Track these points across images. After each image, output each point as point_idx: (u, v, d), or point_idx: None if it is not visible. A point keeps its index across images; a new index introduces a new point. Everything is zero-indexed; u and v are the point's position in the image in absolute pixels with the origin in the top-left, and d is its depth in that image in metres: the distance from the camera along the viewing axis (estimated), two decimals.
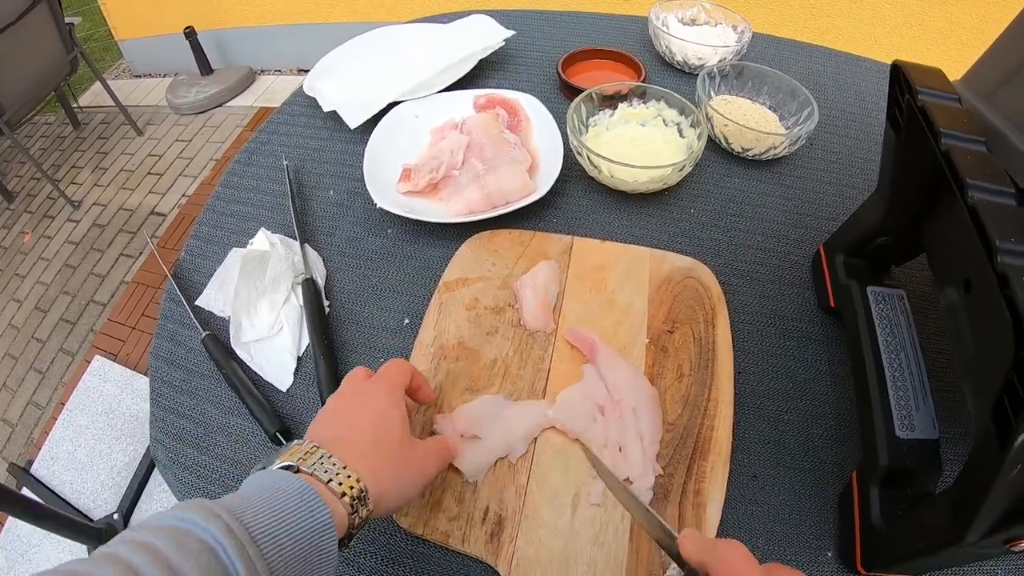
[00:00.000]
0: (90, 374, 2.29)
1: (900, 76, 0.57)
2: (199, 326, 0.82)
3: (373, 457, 0.52)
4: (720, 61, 1.15)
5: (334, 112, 1.09)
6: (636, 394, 0.68)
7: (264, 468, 0.50)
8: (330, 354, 0.77)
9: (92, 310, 2.63)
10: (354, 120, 1.06)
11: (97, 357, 2.35)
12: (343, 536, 0.48)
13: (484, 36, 1.21)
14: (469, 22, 1.26)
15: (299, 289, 0.84)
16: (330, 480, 0.48)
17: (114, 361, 2.34)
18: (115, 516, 1.87)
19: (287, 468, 0.49)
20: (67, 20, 2.87)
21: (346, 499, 0.48)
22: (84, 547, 1.81)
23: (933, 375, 0.64)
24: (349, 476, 0.49)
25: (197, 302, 0.87)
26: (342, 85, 1.14)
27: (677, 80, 1.19)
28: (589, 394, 0.69)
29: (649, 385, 0.70)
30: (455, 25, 1.26)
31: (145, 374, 2.21)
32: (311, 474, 0.48)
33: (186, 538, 0.39)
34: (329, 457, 0.50)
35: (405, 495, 0.55)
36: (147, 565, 0.36)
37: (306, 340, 0.81)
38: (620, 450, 0.65)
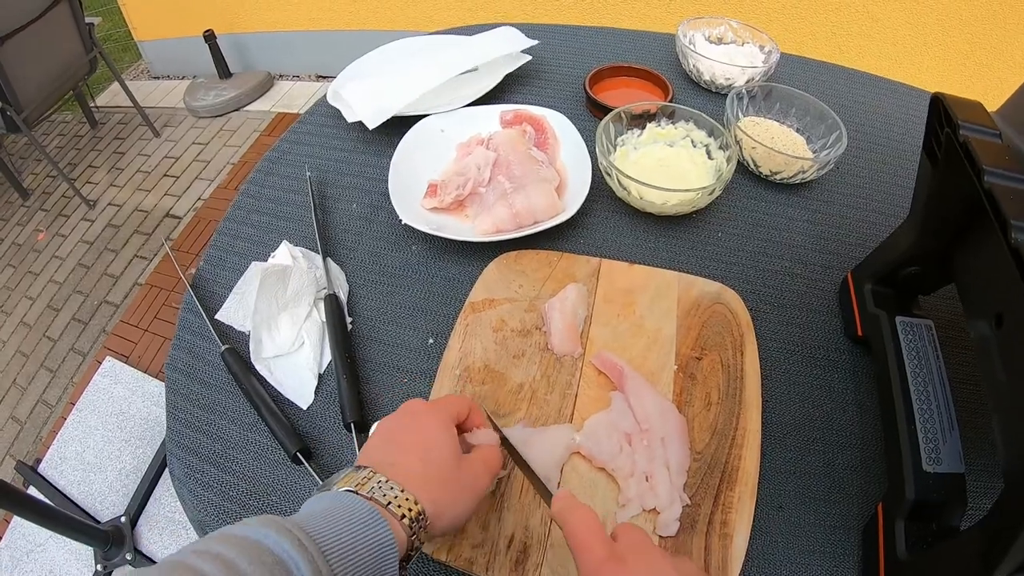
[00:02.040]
0: (101, 375, 2.30)
1: (940, 108, 0.57)
2: (218, 339, 0.81)
3: (427, 479, 0.53)
4: (748, 81, 1.14)
5: (358, 124, 1.09)
6: (664, 423, 0.67)
7: (322, 493, 0.51)
8: (352, 372, 0.77)
9: (104, 311, 2.63)
10: (372, 120, 1.06)
11: (108, 358, 2.36)
12: (402, 557, 0.48)
13: (509, 44, 1.21)
14: (495, 33, 1.25)
15: (321, 304, 0.84)
16: (389, 503, 0.49)
17: (125, 363, 2.34)
18: (122, 519, 1.86)
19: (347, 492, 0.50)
20: (87, 20, 2.89)
21: (405, 521, 0.49)
22: (90, 549, 1.81)
23: (958, 405, 0.63)
24: (407, 499, 0.50)
25: (217, 316, 0.86)
26: (364, 91, 1.14)
27: (703, 99, 1.19)
28: (616, 423, 0.68)
29: (678, 414, 0.69)
30: (481, 36, 1.25)
31: (156, 377, 2.22)
32: (370, 498, 0.49)
33: (258, 550, 0.40)
34: (387, 482, 0.51)
35: (460, 514, 0.55)
36: (220, 574, 0.37)
37: (328, 357, 0.81)
38: (647, 479, 0.64)
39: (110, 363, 2.34)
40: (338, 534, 0.44)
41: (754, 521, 0.64)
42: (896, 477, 0.61)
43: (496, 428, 0.65)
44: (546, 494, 0.59)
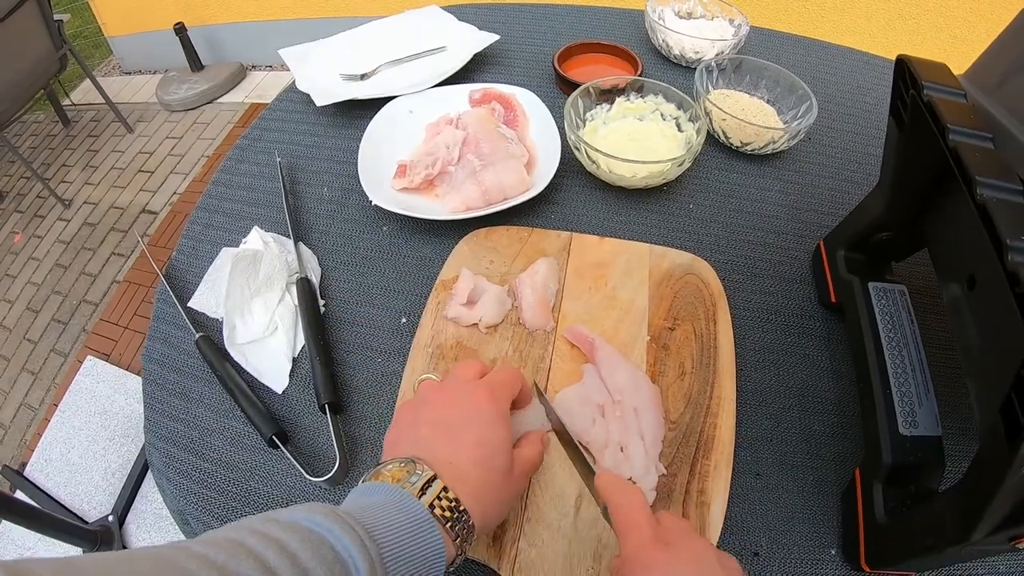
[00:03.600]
0: (82, 374, 2.28)
1: (905, 70, 0.56)
2: (192, 328, 0.81)
3: (482, 492, 0.51)
4: (718, 55, 1.14)
5: (328, 107, 1.08)
6: (637, 394, 0.67)
7: (376, 478, 0.50)
8: (326, 355, 0.76)
9: (84, 310, 2.61)
10: (323, 98, 1.07)
11: (89, 357, 2.34)
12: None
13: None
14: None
15: (294, 289, 0.83)
16: (448, 523, 0.47)
17: (106, 361, 2.33)
18: (109, 518, 1.86)
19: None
20: (56, 17, 2.84)
21: (459, 541, 0.48)
22: (79, 550, 1.79)
23: (934, 368, 0.63)
24: (463, 516, 0.48)
25: (190, 304, 0.85)
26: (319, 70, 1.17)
27: (674, 74, 1.18)
28: (589, 395, 0.68)
29: (650, 384, 0.69)
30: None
31: (138, 374, 2.20)
32: (429, 506, 0.47)
33: (320, 545, 0.39)
34: (445, 490, 0.48)
35: (500, 520, 0.56)
36: (283, 567, 0.36)
37: (302, 341, 0.80)
38: (622, 450, 0.64)
39: (91, 362, 2.31)
40: (397, 539, 0.43)
41: (732, 489, 0.64)
42: (873, 442, 0.61)
43: (543, 400, 0.64)
44: (588, 471, 0.57)
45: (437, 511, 0.47)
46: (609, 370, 0.69)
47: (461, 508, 0.48)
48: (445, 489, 0.48)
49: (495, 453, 0.53)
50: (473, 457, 0.52)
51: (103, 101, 3.32)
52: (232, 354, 0.79)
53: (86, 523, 1.85)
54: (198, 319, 0.85)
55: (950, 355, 0.73)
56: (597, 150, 0.87)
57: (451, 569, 0.49)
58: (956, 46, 2.34)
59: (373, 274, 0.87)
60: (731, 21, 1.21)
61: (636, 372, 0.70)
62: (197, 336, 0.79)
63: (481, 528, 0.50)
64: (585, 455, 0.58)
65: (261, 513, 0.43)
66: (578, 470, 0.59)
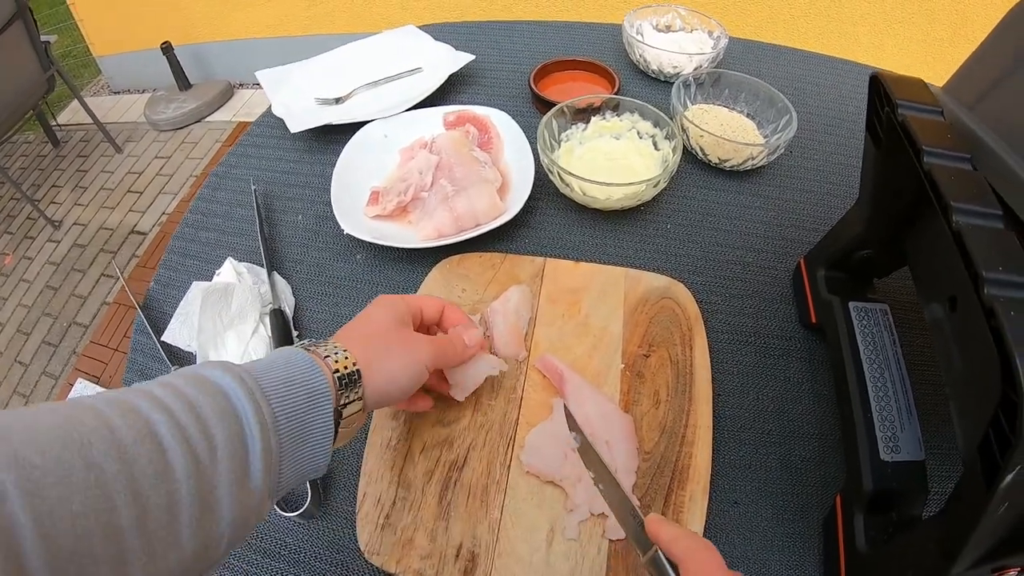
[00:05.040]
0: (73, 397, 2.26)
1: (879, 88, 0.55)
2: (168, 360, 0.80)
3: (360, 337, 0.57)
4: (696, 69, 1.13)
5: (303, 134, 1.08)
6: (608, 427, 0.66)
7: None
8: None
9: (74, 332, 2.61)
10: (297, 124, 1.07)
11: (80, 380, 2.32)
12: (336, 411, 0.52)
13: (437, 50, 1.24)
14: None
15: (267, 319, 0.82)
16: (327, 356, 0.53)
17: (96, 384, 2.32)
18: None
19: None
20: (43, 38, 2.84)
21: (338, 375, 0.52)
22: None
23: (919, 387, 0.63)
24: (345, 355, 0.54)
25: (163, 337, 0.84)
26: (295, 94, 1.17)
27: (653, 89, 1.17)
28: (557, 432, 0.67)
29: (621, 415, 0.68)
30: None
31: None
32: (309, 349, 0.53)
33: (203, 381, 0.45)
34: (333, 344, 0.55)
35: (394, 371, 0.57)
36: (170, 396, 0.42)
37: None
38: (595, 484, 0.63)
39: (82, 385, 2.30)
40: (276, 374, 0.48)
41: (710, 518, 0.63)
42: (853, 468, 0.60)
43: (574, 427, 0.61)
44: (633, 519, 0.52)
45: (320, 353, 0.53)
46: (578, 403, 0.68)
47: (345, 352, 0.54)
48: (330, 343, 0.56)
49: (374, 317, 0.61)
50: (357, 326, 0.61)
51: (92, 121, 3.32)
52: None
53: None
54: (175, 352, 0.84)
55: (936, 372, 0.72)
56: (570, 173, 0.86)
57: (338, 429, 0.52)
58: (944, 48, 2.34)
59: (347, 304, 0.86)
60: (710, 33, 1.21)
61: (606, 404, 0.69)
62: (173, 369, 0.79)
63: (366, 365, 0.54)
64: (632, 500, 0.54)
65: None
66: (616, 514, 0.55)
